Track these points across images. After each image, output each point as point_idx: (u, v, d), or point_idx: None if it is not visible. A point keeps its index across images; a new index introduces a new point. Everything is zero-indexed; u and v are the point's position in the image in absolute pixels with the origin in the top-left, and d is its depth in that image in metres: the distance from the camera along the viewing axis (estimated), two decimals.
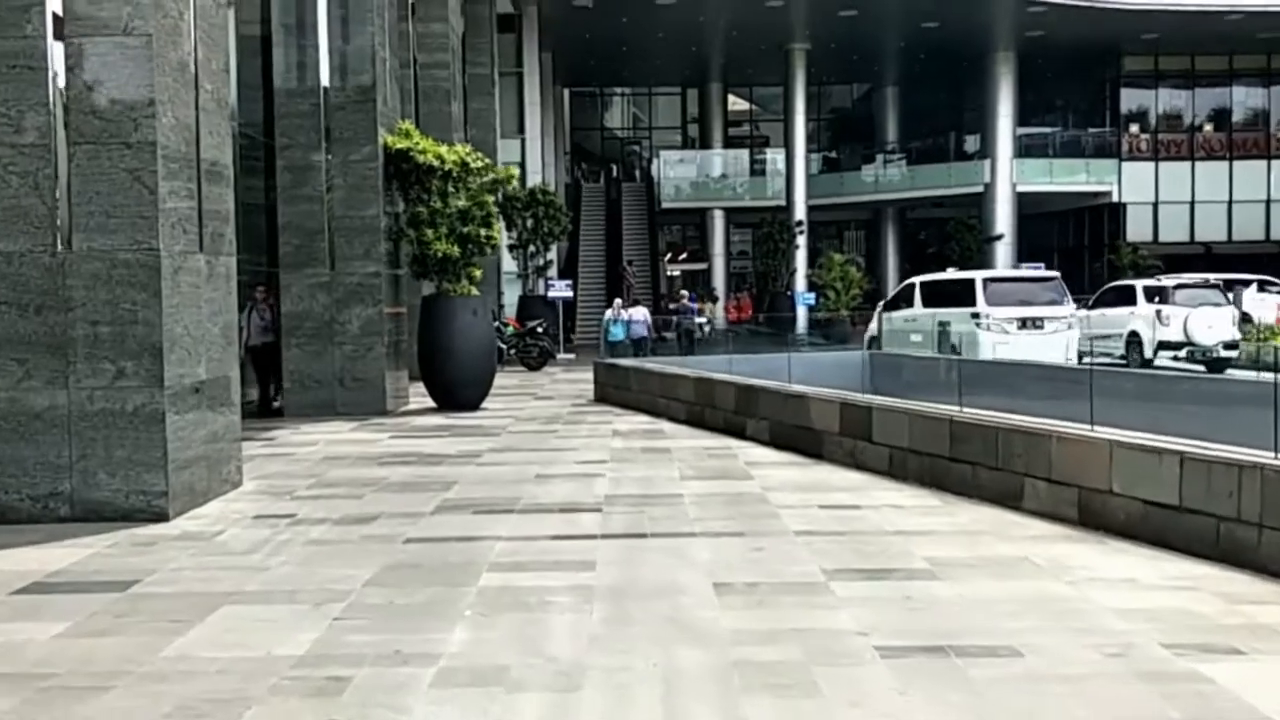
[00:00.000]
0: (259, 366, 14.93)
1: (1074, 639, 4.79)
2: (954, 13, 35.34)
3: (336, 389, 14.69)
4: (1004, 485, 7.66)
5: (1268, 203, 43.01)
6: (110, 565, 6.41)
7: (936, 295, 21.62)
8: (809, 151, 43.36)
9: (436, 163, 15.07)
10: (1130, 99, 43.35)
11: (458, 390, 15.19)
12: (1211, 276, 25.90)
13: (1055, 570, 5.91)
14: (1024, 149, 42.30)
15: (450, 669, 4.53)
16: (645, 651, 4.71)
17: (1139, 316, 21.90)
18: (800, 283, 40.16)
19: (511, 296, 30.81)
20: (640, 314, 25.04)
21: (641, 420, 13.57)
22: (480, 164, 15.59)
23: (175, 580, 6.04)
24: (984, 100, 42.34)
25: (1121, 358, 21.83)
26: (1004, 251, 40.98)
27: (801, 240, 41.36)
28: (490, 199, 15.75)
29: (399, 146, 15.10)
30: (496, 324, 21.35)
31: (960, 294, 20.79)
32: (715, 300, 40.27)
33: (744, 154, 47.94)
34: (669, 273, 44.97)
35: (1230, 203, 43.05)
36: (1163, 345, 21.16)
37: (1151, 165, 43.08)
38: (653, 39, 39.29)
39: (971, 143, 45.27)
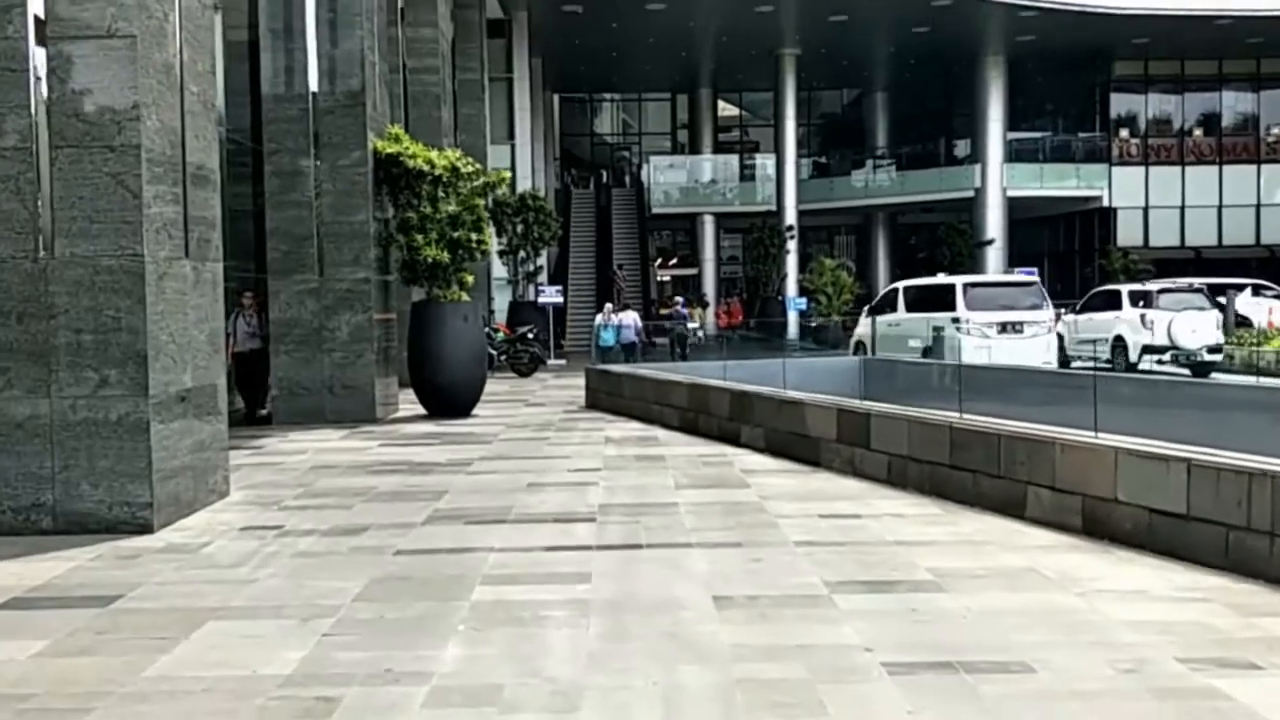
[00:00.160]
0: (246, 374, 14.74)
1: (1086, 653, 4.65)
2: (944, 18, 35.34)
3: (325, 396, 14.51)
4: (1006, 493, 7.53)
5: (1258, 207, 43.11)
6: (93, 579, 6.24)
7: (919, 300, 21.84)
8: (799, 157, 43.35)
9: (426, 167, 14.91)
10: (1120, 104, 43.44)
11: (448, 397, 15.03)
12: (1203, 281, 25.91)
13: (1063, 581, 5.78)
14: (1014, 154, 42.35)
15: (443, 688, 4.38)
16: (644, 669, 4.56)
17: (1124, 321, 22.00)
18: (791, 288, 40.10)
19: (502, 302, 30.62)
20: (630, 319, 24.91)
21: (634, 427, 13.42)
22: (471, 169, 15.44)
23: (159, 595, 5.87)
24: (974, 105, 42.34)
25: (1107, 362, 21.97)
26: (995, 256, 40.98)
27: (792, 245, 41.31)
28: (481, 203, 15.60)
29: (389, 151, 14.94)
30: (487, 330, 21.20)
31: (942, 299, 21.00)
32: (705, 306, 40.15)
33: (734, 159, 47.93)
34: (659, 278, 44.85)
35: (1220, 207, 43.13)
36: (1147, 349, 21.27)
37: (1142, 170, 43.16)
38: (643, 44, 39.23)
39: (962, 147, 45.32)
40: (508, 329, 25.63)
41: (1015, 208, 42.08)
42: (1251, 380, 14.10)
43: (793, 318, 36.36)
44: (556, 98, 48.10)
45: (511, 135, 32.91)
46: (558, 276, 35.95)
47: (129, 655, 4.85)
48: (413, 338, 15.20)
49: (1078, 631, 4.96)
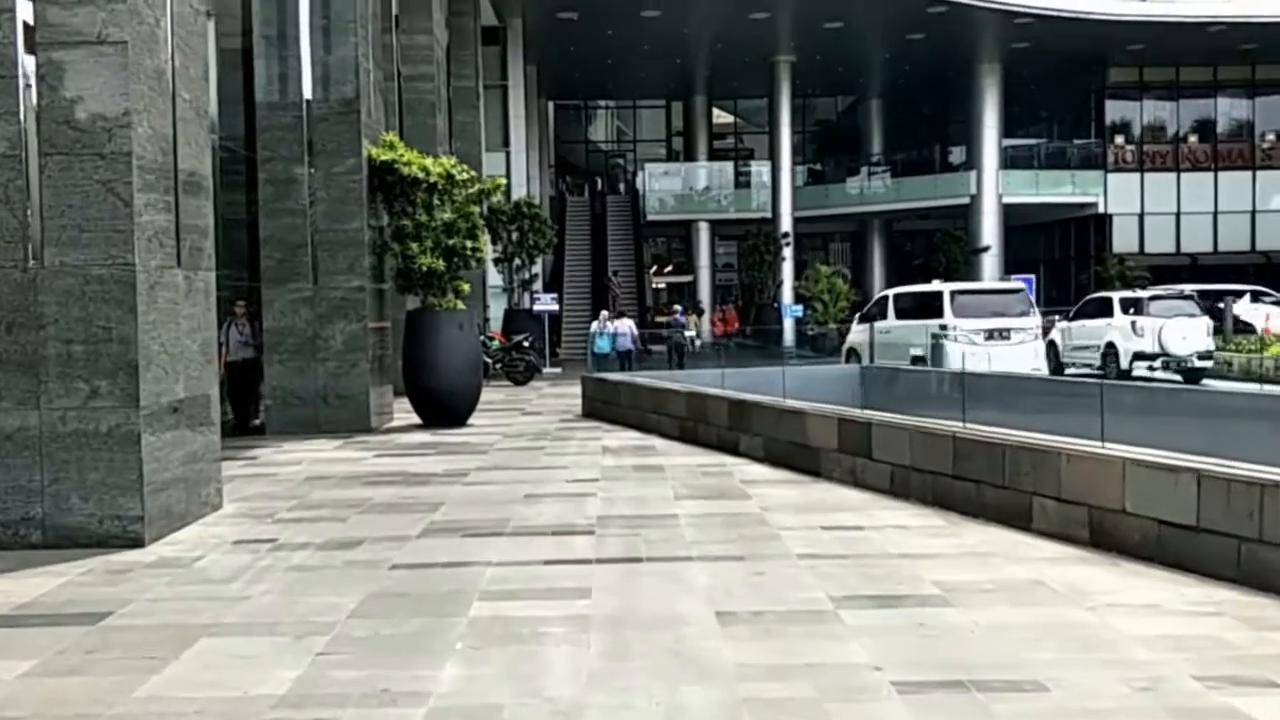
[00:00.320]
0: (238, 383, 14.60)
1: (1100, 671, 4.54)
2: (939, 24, 35.29)
3: (320, 406, 14.38)
4: (1011, 504, 7.42)
5: (1253, 213, 43.11)
6: (82, 595, 6.11)
7: (908, 308, 22.07)
8: (794, 164, 43.27)
9: (421, 175, 14.80)
10: (1115, 110, 43.44)
11: (444, 406, 14.90)
12: (1200, 287, 25.95)
13: (1072, 595, 5.67)
14: (1010, 160, 42.30)
15: (441, 709, 4.26)
16: (647, 688, 4.44)
17: (1115, 328, 22.15)
18: (787, 295, 40.00)
19: (497, 310, 30.54)
20: (626, 326, 24.81)
21: (631, 436, 13.31)
22: (466, 176, 15.34)
23: (150, 612, 5.74)
24: (969, 112, 42.31)
25: (1099, 369, 22.14)
26: (990, 263, 40.92)
27: (788, 252, 41.24)
28: (476, 210, 15.49)
29: (383, 159, 14.83)
30: (482, 338, 21.08)
31: (929, 306, 21.23)
32: (701, 313, 40.05)
33: (729, 166, 47.87)
34: (654, 285, 44.76)
35: (1215, 214, 43.12)
36: (1138, 356, 21.44)
37: (1137, 176, 43.14)
38: (637, 51, 39.17)
39: (957, 154, 45.27)
40: (503, 337, 25.51)
41: (1011, 214, 42.03)
42: (1254, 388, 14.04)
43: (788, 325, 36.25)
44: (551, 105, 48.03)
45: (506, 143, 32.82)
46: (553, 284, 35.87)
47: (119, 675, 4.73)
48: (408, 346, 15.08)
49: (1090, 648, 4.85)
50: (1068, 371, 23.16)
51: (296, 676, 4.64)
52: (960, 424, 8.21)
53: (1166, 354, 21.11)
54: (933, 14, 34.06)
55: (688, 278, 45.35)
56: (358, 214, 14.54)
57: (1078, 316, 24.04)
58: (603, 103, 54.03)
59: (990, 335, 19.95)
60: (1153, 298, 22.58)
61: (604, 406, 15.53)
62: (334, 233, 14.50)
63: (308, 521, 8.14)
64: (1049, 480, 7.12)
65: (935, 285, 23.25)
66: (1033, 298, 26.18)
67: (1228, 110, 43.85)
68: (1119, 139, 43.50)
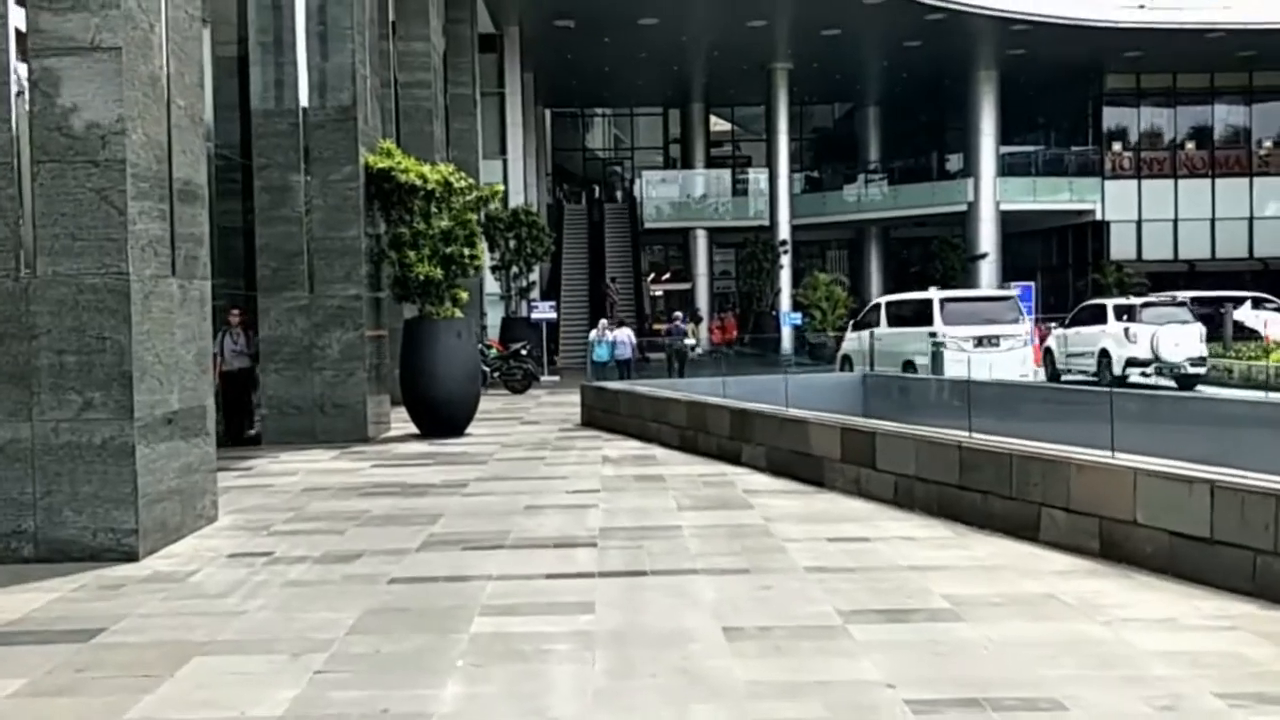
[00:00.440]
0: (233, 394, 14.46)
1: (1118, 688, 4.43)
2: (936, 31, 35.25)
3: (316, 415, 14.26)
4: (1019, 515, 7.31)
5: (1250, 220, 43.07)
6: (75, 611, 5.98)
7: (900, 315, 22.34)
8: (791, 171, 43.20)
9: (419, 182, 14.70)
10: (1112, 117, 43.40)
11: (442, 416, 14.78)
12: (1201, 294, 26.00)
13: (1086, 609, 5.55)
14: (1007, 167, 42.26)
15: None
16: (655, 709, 4.33)
17: (1109, 335, 22.41)
18: (785, 303, 39.91)
19: (494, 318, 30.43)
20: (625, 335, 24.72)
21: (632, 445, 13.19)
22: (464, 184, 15.23)
23: (144, 628, 5.62)
24: (966, 119, 42.26)
25: (1094, 375, 22.41)
26: (988, 270, 40.86)
27: (786, 260, 41.16)
28: (474, 218, 15.38)
29: (380, 166, 14.72)
30: (480, 346, 20.96)
31: (920, 314, 21.50)
32: (699, 321, 39.95)
33: (726, 174, 47.78)
34: (652, 293, 44.66)
35: (1213, 220, 43.08)
36: (1131, 362, 21.68)
37: (1134, 183, 43.10)
38: (634, 59, 39.11)
39: (954, 161, 45.24)
40: (501, 345, 25.41)
41: (1008, 221, 41.98)
42: (1258, 395, 13.92)
43: (787, 333, 36.14)
44: (548, 113, 47.98)
45: (503, 150, 32.74)
46: (550, 292, 35.75)
47: (110, 695, 4.61)
48: (405, 355, 14.96)
49: (1107, 664, 4.73)
50: (1064, 378, 23.32)
51: (294, 696, 4.52)
52: (966, 434, 8.11)
53: (1159, 360, 21.33)
54: (930, 21, 34.01)
55: (685, 285, 45.26)
56: (354, 222, 14.43)
57: (1073, 323, 24.29)
58: (600, 110, 53.97)
59: (980, 342, 20.07)
60: (1145, 304, 22.90)
61: (603, 415, 15.41)
62: (330, 241, 14.39)
63: (304, 534, 8.01)
64: (1058, 491, 7.01)
65: (926, 293, 23.44)
66: (1030, 305, 26.21)
67: (1225, 117, 43.84)
68: (1116, 146, 43.47)
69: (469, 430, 15.03)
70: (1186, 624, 5.32)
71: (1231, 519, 5.84)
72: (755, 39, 36.74)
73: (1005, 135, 42.15)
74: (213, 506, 8.55)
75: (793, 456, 10.25)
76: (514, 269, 29.91)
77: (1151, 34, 36.34)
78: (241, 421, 14.68)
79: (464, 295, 15.24)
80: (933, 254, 43.82)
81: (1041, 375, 24.23)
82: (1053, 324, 26.84)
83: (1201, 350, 21.85)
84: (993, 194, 41.44)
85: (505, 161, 32.42)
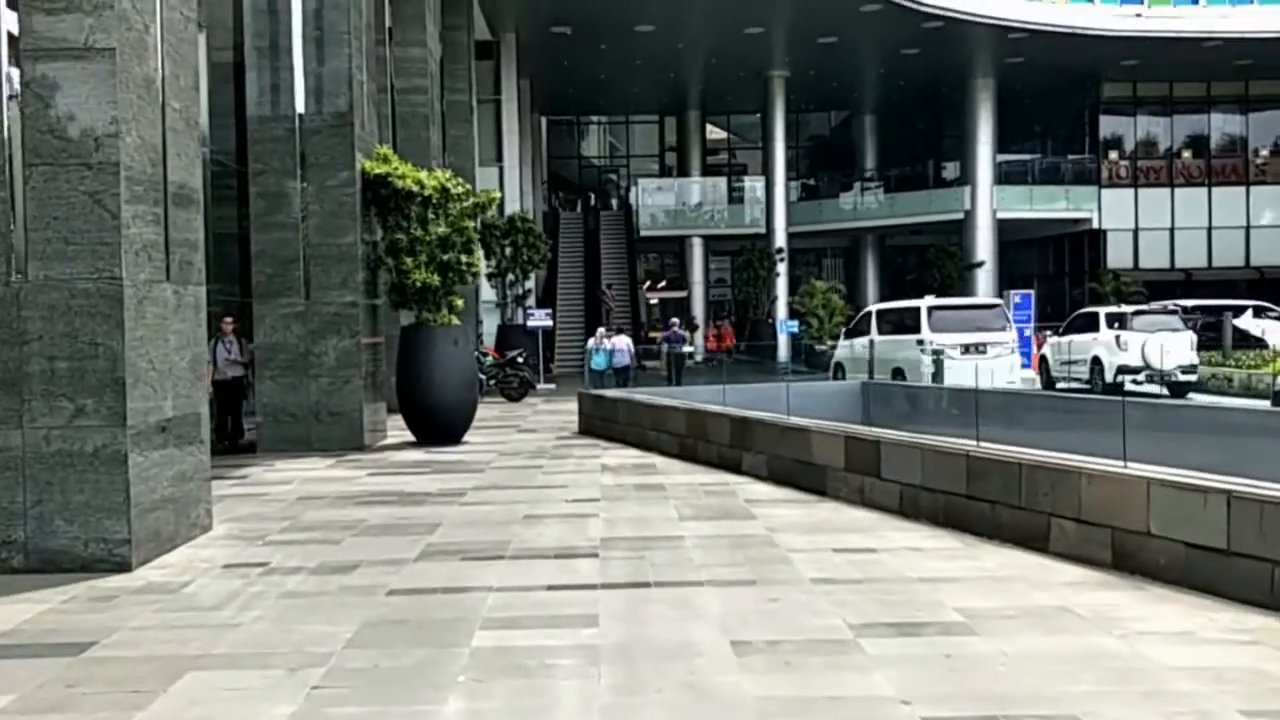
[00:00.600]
0: (225, 402, 14.30)
1: (1141, 705, 4.30)
2: (934, 39, 35.20)
3: (312, 423, 14.11)
4: (1028, 526, 7.18)
5: (1247, 229, 43.06)
6: (65, 624, 5.84)
7: (890, 323, 22.61)
8: (788, 179, 43.13)
9: (416, 188, 14.57)
10: (1109, 125, 43.40)
11: (438, 423, 14.63)
12: (1201, 303, 26.05)
13: (1101, 622, 5.43)
14: (1004, 176, 42.23)
15: None
16: None
17: (1101, 342, 22.63)
18: (782, 310, 39.81)
19: (490, 326, 30.30)
20: (624, 342, 24.63)
21: (630, 454, 13.05)
22: (461, 189, 15.11)
23: (136, 642, 5.47)
24: (963, 127, 42.23)
25: (1087, 382, 22.70)
26: (985, 278, 40.78)
27: (782, 268, 41.07)
28: (471, 225, 15.26)
29: (377, 172, 14.60)
30: (476, 354, 20.82)
31: (909, 321, 21.78)
32: (695, 329, 39.84)
33: (722, 182, 47.76)
34: (648, 301, 44.55)
35: (1210, 229, 43.07)
36: (1122, 369, 21.90)
37: (1131, 192, 43.09)
38: (631, 66, 39.04)
39: (951, 169, 45.18)
40: (497, 353, 25.26)
41: (1005, 230, 41.94)
42: (1264, 405, 13.88)
43: (783, 340, 36.05)
44: (544, 120, 47.89)
45: (499, 157, 32.64)
46: (546, 300, 35.62)
47: (102, 711, 4.47)
48: (401, 362, 14.82)
49: (1127, 680, 4.61)
50: (1059, 386, 23.51)
51: (291, 713, 4.38)
52: (974, 443, 7.98)
53: (1150, 367, 21.52)
54: (927, 29, 33.97)
55: (682, 293, 45.17)
56: (351, 228, 14.30)
57: (1068, 331, 24.55)
58: (595, 118, 53.93)
59: (967, 349, 20.26)
60: (1137, 312, 23.21)
61: (601, 423, 15.28)
62: (327, 247, 14.26)
63: (300, 544, 7.87)
64: (1068, 501, 6.89)
65: (914, 301, 23.78)
66: (1030, 313, 26.21)
67: (1221, 126, 43.84)
68: (1113, 154, 43.46)
69: (466, 438, 14.89)
70: (1205, 637, 5.19)
71: (1249, 530, 5.72)
72: (752, 46, 36.69)
73: (1002, 143, 42.13)
74: (207, 516, 8.40)
75: (795, 465, 10.12)
76: (510, 276, 29.80)
77: (1148, 43, 36.34)
78: (234, 430, 14.53)
79: (460, 302, 15.11)
80: (929, 262, 43.75)
81: (1038, 383, 24.34)
82: (1048, 332, 26.92)
83: (1192, 358, 22.08)
84: (989, 202, 41.40)
85: (501, 168, 32.33)
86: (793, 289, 40.67)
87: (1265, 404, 15.98)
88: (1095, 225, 42.57)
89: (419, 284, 14.38)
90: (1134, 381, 21.70)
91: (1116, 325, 22.52)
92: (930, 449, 8.28)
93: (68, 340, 7.02)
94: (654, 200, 45.81)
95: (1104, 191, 42.73)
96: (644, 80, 42.07)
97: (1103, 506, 6.63)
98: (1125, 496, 6.47)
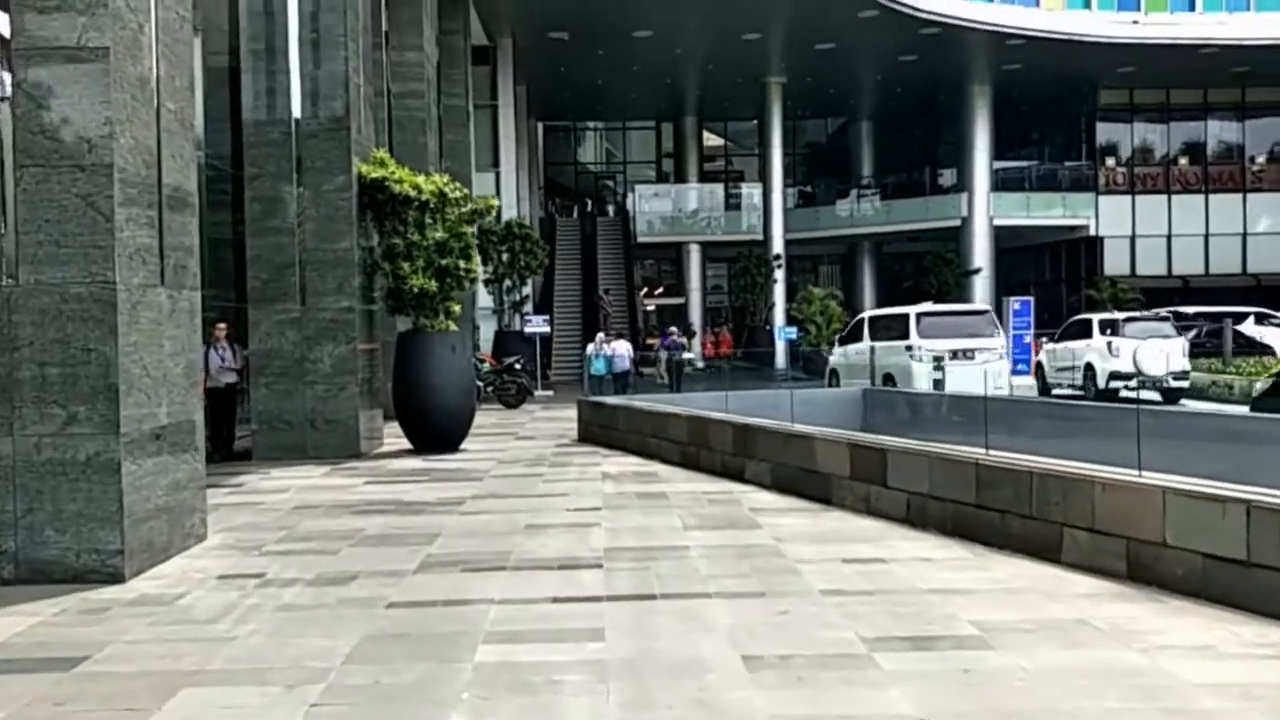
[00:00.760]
0: (220, 409, 14.12)
1: None
2: (931, 46, 35.15)
3: (307, 430, 13.95)
4: (1040, 536, 7.04)
5: (1244, 236, 43.03)
6: (57, 637, 5.68)
7: (881, 329, 22.81)
8: (785, 186, 43.03)
9: (413, 193, 14.43)
10: (1106, 132, 43.36)
11: (436, 431, 14.48)
12: (1202, 310, 26.11)
13: (1120, 635, 5.29)
14: (1000, 183, 42.17)
15: None
16: None
17: (1094, 349, 22.89)
18: (779, 317, 39.69)
19: (487, 332, 30.14)
20: (624, 348, 24.52)
21: (631, 462, 12.91)
22: (458, 194, 14.97)
23: (130, 656, 5.32)
24: (960, 134, 42.18)
25: (1080, 388, 22.96)
26: (982, 285, 40.70)
27: (780, 274, 40.96)
28: (469, 230, 15.11)
29: (374, 176, 14.46)
30: (473, 360, 20.66)
31: (898, 328, 22.00)
32: (692, 335, 39.69)
33: (719, 188, 47.66)
34: (645, 307, 44.42)
35: (1207, 236, 43.03)
36: (1114, 375, 22.13)
37: (1128, 199, 43.03)
38: (628, 72, 38.93)
39: (948, 176, 45.13)
40: (494, 359, 25.12)
41: (1002, 237, 41.87)
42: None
43: (781, 347, 35.94)
44: (540, 126, 47.76)
45: (496, 163, 32.51)
46: (543, 306, 35.47)
47: None
48: (398, 369, 14.66)
49: (1151, 696, 4.47)
50: (1054, 392, 23.69)
51: None
52: (983, 450, 7.85)
53: (1141, 374, 21.70)
54: (925, 35, 33.92)
55: (679, 300, 45.04)
56: (347, 233, 14.15)
57: (1062, 338, 24.85)
58: (592, 124, 53.81)
59: (955, 355, 20.43)
60: (1128, 319, 23.46)
61: (601, 431, 15.13)
62: (323, 252, 14.11)
63: (297, 554, 7.71)
64: (1081, 510, 6.75)
65: (904, 308, 24.01)
66: (1029, 320, 26.18)
67: (1218, 133, 43.82)
68: (1110, 161, 43.42)
69: (464, 446, 14.74)
70: (1227, 651, 5.05)
71: (1270, 541, 5.59)
72: (749, 52, 36.60)
73: (999, 150, 42.07)
74: (201, 525, 8.25)
75: (799, 473, 9.98)
76: (507, 282, 29.65)
77: (1145, 49, 36.31)
78: (228, 438, 14.35)
79: (457, 308, 14.96)
80: (927, 269, 43.68)
81: (1035, 389, 24.36)
82: (1044, 339, 27.00)
83: (1184, 364, 22.25)
84: (986, 209, 41.33)
85: (498, 174, 32.21)
86: (790, 296, 40.56)
87: (1244, 409, 16.00)
88: (1092, 232, 42.51)
89: (416, 289, 14.24)
90: (1127, 388, 21.80)
91: (1109, 332, 22.74)
92: (938, 457, 8.15)
93: (59, 346, 6.87)
94: (651, 207, 45.71)
95: (1101, 198, 42.68)
96: (641, 86, 41.98)
97: (1117, 516, 6.49)
98: (1140, 506, 6.33)
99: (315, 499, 10.41)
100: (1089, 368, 22.68)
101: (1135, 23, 36.14)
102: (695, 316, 43.52)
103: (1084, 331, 23.63)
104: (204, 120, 14.73)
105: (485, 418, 18.90)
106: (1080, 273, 43.33)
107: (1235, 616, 5.56)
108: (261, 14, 14.36)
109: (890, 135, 48.62)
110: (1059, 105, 43.16)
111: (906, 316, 22.10)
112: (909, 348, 20.92)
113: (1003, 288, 41.07)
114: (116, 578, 6.83)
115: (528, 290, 31.66)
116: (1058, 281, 45.29)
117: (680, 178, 47.95)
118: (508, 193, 32.11)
